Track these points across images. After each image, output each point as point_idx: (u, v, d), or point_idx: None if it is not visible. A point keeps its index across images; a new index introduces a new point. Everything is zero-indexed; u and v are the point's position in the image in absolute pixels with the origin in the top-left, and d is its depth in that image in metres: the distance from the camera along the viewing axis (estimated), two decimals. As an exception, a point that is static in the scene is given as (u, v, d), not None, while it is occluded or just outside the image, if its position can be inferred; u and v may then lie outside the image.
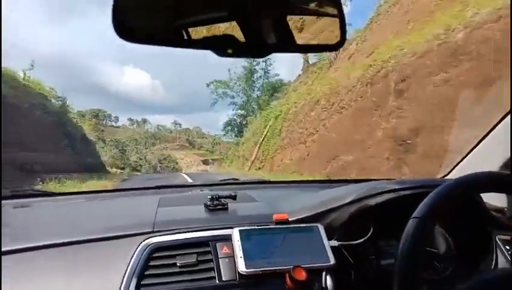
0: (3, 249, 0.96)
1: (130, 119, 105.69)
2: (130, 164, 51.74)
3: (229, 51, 0.77)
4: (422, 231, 0.79)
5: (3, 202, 1.46)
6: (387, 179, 1.36)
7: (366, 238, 1.14)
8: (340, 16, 0.85)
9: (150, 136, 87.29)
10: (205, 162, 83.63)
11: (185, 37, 0.80)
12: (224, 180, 2.00)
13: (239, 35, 0.77)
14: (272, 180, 2.35)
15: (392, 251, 1.16)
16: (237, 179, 2.03)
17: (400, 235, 0.82)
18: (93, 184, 13.43)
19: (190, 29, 0.80)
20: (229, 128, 40.66)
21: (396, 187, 1.17)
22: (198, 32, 0.81)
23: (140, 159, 56.91)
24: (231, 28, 0.79)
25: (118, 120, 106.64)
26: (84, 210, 1.48)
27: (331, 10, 0.87)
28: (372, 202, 1.16)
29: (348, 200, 1.20)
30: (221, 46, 0.78)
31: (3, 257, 0.94)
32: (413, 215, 0.81)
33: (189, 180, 11.62)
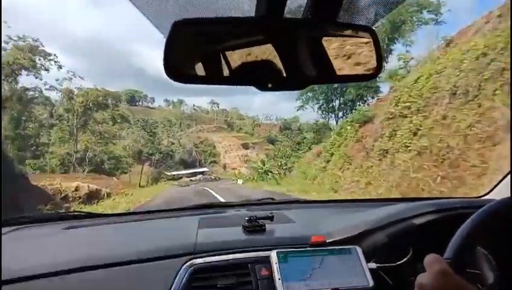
0: (48, 270, 1.02)
1: (166, 100, 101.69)
2: (160, 149, 44.52)
3: (270, 85, 0.79)
4: (462, 257, 0.77)
5: (51, 223, 1.61)
6: (425, 199, 1.45)
7: (405, 260, 1.12)
8: (376, 45, 0.86)
9: (186, 118, 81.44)
10: (245, 146, 78.95)
11: (227, 74, 0.85)
12: (261, 199, 2.01)
13: (278, 68, 0.80)
14: (307, 199, 2.22)
15: None
16: (273, 199, 2.01)
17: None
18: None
19: (231, 66, 0.83)
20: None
21: (436, 209, 1.17)
22: (239, 68, 0.84)
23: (173, 143, 49.52)
24: (270, 61, 0.82)
25: (154, 101, 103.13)
26: (128, 232, 1.50)
27: (367, 39, 0.87)
28: (412, 223, 1.16)
29: (386, 222, 1.19)
30: (262, 80, 0.80)
31: (50, 278, 1.00)
32: (445, 256, 0.77)
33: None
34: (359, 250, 1.13)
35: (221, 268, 1.08)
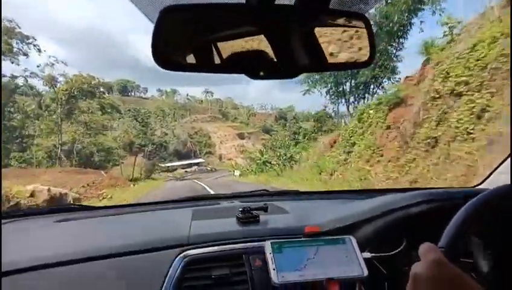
0: (43, 262, 1.02)
1: (159, 90, 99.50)
2: (152, 140, 42.70)
3: (261, 73, 0.78)
4: (456, 246, 0.81)
5: (44, 216, 1.61)
6: (419, 189, 1.41)
7: (399, 249, 1.12)
8: (369, 33, 0.86)
9: (179, 107, 79.31)
10: (241, 136, 77.72)
11: (217, 62, 0.82)
12: (255, 191, 1.99)
13: (270, 56, 0.79)
14: (301, 191, 2.11)
15: None
16: (267, 190, 2.00)
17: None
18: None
19: (222, 53, 0.82)
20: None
21: (430, 198, 1.17)
22: (230, 56, 0.83)
23: (166, 134, 47.75)
24: (261, 48, 0.81)
25: (147, 91, 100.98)
26: (121, 224, 1.49)
27: (360, 27, 0.87)
28: (406, 213, 1.16)
29: (380, 212, 1.19)
30: (253, 68, 0.79)
31: (43, 270, 1.00)
32: (439, 244, 0.78)
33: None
34: (353, 240, 1.12)
35: (215, 259, 1.09)
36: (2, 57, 26.37)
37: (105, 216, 1.64)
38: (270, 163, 33.02)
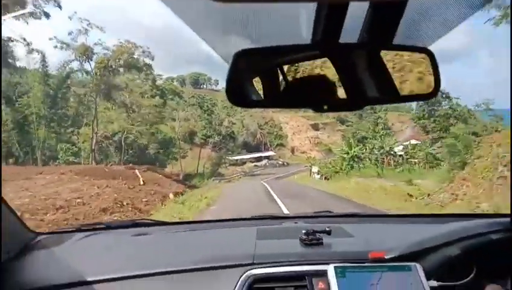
0: (119, 275, 1.12)
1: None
2: (219, 131, 38.00)
3: (325, 107, 0.82)
4: None
5: (123, 230, 1.75)
6: (488, 216, 1.48)
7: (469, 278, 1.10)
8: (434, 66, 0.87)
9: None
10: (315, 127, 70.85)
11: (284, 98, 0.91)
12: (318, 212, 1.99)
13: (335, 91, 0.84)
14: (366, 213, 2.23)
15: None
16: (330, 211, 2.00)
17: (506, 277, 0.86)
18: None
19: (288, 90, 0.89)
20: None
21: (501, 228, 1.15)
22: (296, 92, 0.90)
23: (234, 123, 42.86)
24: (330, 81, 0.85)
25: (218, 84, 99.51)
26: (190, 240, 1.58)
27: (425, 60, 0.89)
28: (476, 241, 1.15)
29: (449, 239, 1.18)
30: (318, 103, 0.85)
31: (119, 281, 1.11)
32: None
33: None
34: (419, 267, 1.10)
35: (279, 279, 1.11)
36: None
37: (176, 232, 1.76)
38: (359, 158, 26.02)
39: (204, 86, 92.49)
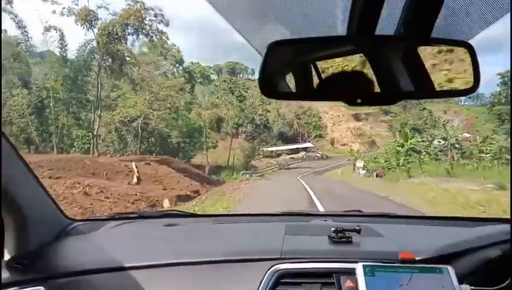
0: (150, 263, 1.15)
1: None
2: (252, 120, 34.82)
3: (359, 101, 0.80)
4: None
5: (155, 220, 1.78)
6: None
7: (505, 284, 1.08)
8: (474, 60, 0.86)
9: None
10: (356, 118, 66.12)
11: (318, 90, 0.90)
12: (348, 211, 1.96)
13: (370, 84, 0.83)
14: (398, 214, 1.98)
15: None
16: (361, 211, 1.93)
17: None
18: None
19: (322, 82, 0.89)
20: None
21: None
22: (330, 84, 0.89)
23: (269, 111, 39.49)
24: (364, 74, 0.85)
25: (254, 73, 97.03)
26: (220, 232, 1.59)
27: (465, 55, 0.88)
28: (509, 247, 1.11)
29: (484, 243, 1.16)
30: (351, 96, 0.82)
31: (150, 269, 1.14)
32: None
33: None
34: (451, 270, 1.06)
35: (307, 275, 1.10)
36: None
37: (206, 224, 1.81)
38: (416, 152, 21.83)
39: (241, 75, 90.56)
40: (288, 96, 0.91)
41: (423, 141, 22.15)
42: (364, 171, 27.43)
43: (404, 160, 19.68)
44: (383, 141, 58.73)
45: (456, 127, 24.54)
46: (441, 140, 21.25)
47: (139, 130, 23.92)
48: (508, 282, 1.05)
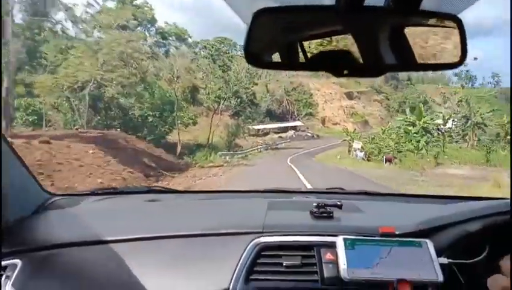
0: (130, 236, 1.14)
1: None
2: (237, 93, 30.66)
3: (345, 72, 0.82)
4: None
5: (137, 195, 1.80)
6: (500, 199, 1.37)
7: (480, 258, 1.09)
8: (461, 34, 0.86)
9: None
10: (349, 96, 62.86)
11: (303, 60, 0.89)
12: (330, 188, 1.96)
13: (355, 55, 0.83)
14: (379, 192, 2.09)
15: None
16: (342, 189, 1.95)
17: None
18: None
19: (308, 52, 0.88)
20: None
21: None
22: (316, 55, 0.89)
23: (256, 84, 35.44)
24: (348, 46, 0.85)
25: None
26: (202, 208, 1.60)
27: (452, 28, 0.88)
28: (490, 221, 1.15)
29: (462, 218, 1.19)
30: (337, 67, 0.84)
31: (130, 243, 1.13)
32: None
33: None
34: (430, 244, 1.10)
35: (287, 248, 1.12)
36: None
37: (189, 200, 1.81)
38: (428, 132, 18.56)
39: (230, 51, 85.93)
40: (273, 65, 0.91)
41: (439, 120, 18.79)
42: (362, 154, 24.62)
43: (424, 142, 16.23)
44: (376, 121, 56.42)
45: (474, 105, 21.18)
46: (460, 119, 17.93)
47: (87, 98, 19.01)
48: (484, 254, 1.08)
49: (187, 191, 2.60)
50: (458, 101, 21.00)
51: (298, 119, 48.25)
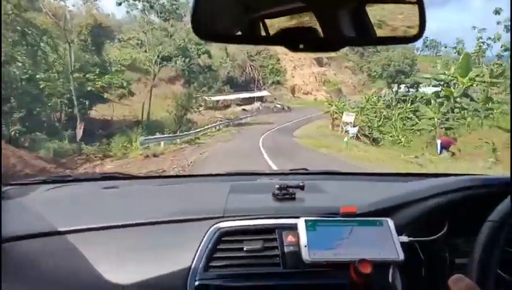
0: (85, 226, 1.09)
1: None
2: (188, 55, 22.96)
3: (301, 46, 0.77)
4: (499, 235, 0.80)
5: (92, 182, 1.70)
6: (461, 175, 1.38)
7: (439, 235, 1.11)
8: (420, 7, 0.85)
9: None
10: (319, 62, 56.69)
11: (259, 34, 0.86)
12: (294, 169, 1.96)
13: (312, 29, 0.80)
14: (343, 171, 2.05)
15: (468, 250, 1.10)
16: (306, 169, 1.96)
17: (477, 234, 0.87)
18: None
19: (264, 26, 0.86)
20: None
21: (472, 185, 1.17)
22: (272, 28, 0.85)
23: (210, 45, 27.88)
24: (307, 20, 0.83)
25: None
26: (161, 194, 1.55)
27: (411, 1, 0.87)
28: (447, 198, 1.16)
29: (421, 196, 1.19)
30: (294, 41, 0.79)
31: (85, 233, 1.08)
32: (490, 218, 0.83)
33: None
34: (391, 222, 1.11)
35: (248, 232, 1.11)
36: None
37: (147, 186, 1.74)
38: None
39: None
40: (225, 38, 0.87)
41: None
42: (355, 129, 18.74)
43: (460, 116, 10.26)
44: (348, 89, 51.29)
45: None
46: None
47: None
48: (443, 232, 1.09)
49: (144, 176, 2.15)
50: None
51: (264, 89, 41.42)
